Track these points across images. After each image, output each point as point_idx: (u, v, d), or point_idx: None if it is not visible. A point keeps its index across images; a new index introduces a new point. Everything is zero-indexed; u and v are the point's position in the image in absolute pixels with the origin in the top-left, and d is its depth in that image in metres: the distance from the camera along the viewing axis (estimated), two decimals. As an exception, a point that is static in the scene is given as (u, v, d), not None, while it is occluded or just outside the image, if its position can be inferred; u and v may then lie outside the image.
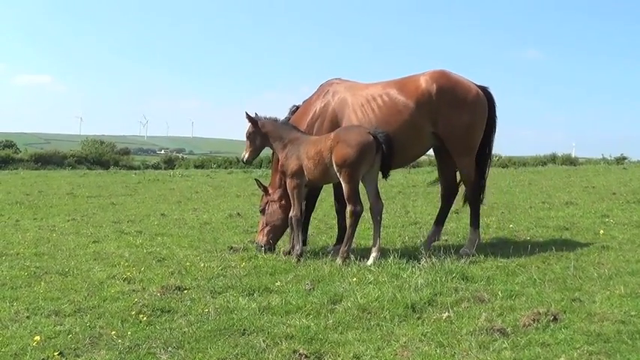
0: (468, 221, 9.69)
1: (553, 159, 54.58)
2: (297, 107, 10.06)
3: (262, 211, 9.81)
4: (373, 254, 8.57)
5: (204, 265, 8.51)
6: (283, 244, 9.71)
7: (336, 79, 9.96)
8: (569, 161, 53.26)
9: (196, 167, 57.79)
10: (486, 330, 5.46)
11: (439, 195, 10.26)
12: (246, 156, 9.71)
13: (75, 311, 6.42)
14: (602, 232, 10.51)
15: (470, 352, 5.04)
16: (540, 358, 4.92)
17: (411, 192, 20.95)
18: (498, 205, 15.70)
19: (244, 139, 9.74)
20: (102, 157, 67.24)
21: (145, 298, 6.79)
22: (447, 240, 10.35)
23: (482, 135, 9.49)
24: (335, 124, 9.30)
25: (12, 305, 6.67)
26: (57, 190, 24.84)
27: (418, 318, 5.99)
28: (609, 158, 53.94)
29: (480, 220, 9.80)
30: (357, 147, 8.33)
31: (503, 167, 44.10)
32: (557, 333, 5.38)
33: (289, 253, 9.12)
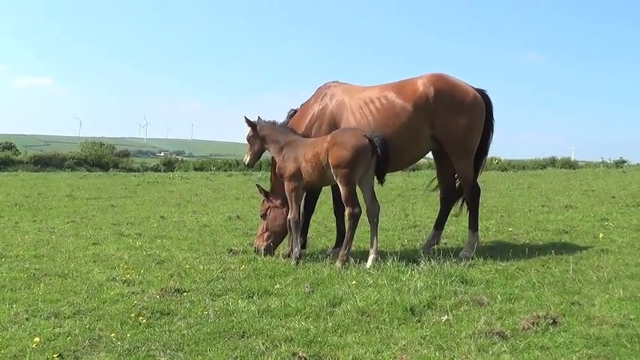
0: (467, 224, 9.70)
1: (552, 162, 54.64)
2: (296, 111, 10.07)
3: (263, 216, 9.82)
4: (371, 256, 8.58)
5: (204, 268, 8.51)
6: (283, 246, 9.71)
7: (333, 82, 9.98)
8: (569, 165, 53.34)
9: (196, 170, 57.85)
10: (485, 333, 5.46)
11: (438, 198, 10.26)
12: (248, 159, 9.77)
13: (74, 313, 6.42)
14: (601, 235, 10.51)
15: (469, 356, 5.04)
16: (539, 362, 4.93)
17: (411, 195, 20.96)
18: (498, 208, 15.72)
19: (244, 142, 9.82)
20: (101, 159, 67.29)
21: (144, 301, 6.79)
22: (446, 243, 10.35)
23: (480, 138, 9.51)
24: (333, 126, 9.31)
25: (11, 307, 6.67)
26: (56, 192, 24.85)
27: (417, 321, 5.99)
28: (609, 162, 53.97)
29: (479, 224, 9.81)
30: (353, 149, 8.35)
31: (502, 170, 44.16)
32: (557, 336, 5.38)
33: (289, 255, 9.13)
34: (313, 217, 10.64)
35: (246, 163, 9.90)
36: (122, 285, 7.63)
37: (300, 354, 5.13)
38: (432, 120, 9.09)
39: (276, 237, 9.64)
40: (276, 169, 9.41)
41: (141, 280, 7.90)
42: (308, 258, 9.27)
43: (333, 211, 10.03)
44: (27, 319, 6.25)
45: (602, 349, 5.10)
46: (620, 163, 51.62)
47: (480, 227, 10.00)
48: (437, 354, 5.11)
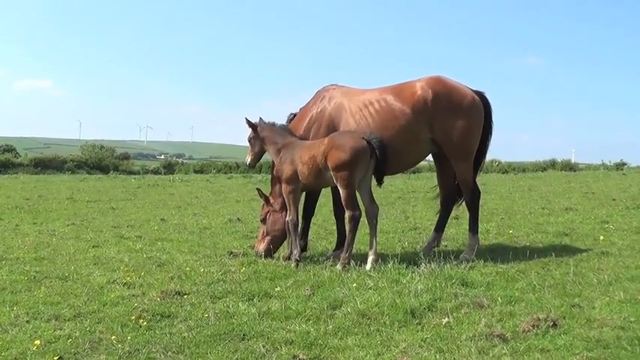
0: (467, 227, 9.70)
1: (553, 165, 54.67)
2: (295, 115, 10.10)
3: (263, 221, 9.83)
4: (371, 257, 8.59)
5: (204, 270, 8.51)
6: (283, 249, 9.71)
7: (332, 85, 10.00)
8: (569, 167, 53.35)
9: (196, 172, 57.79)
10: (486, 336, 5.46)
11: (438, 201, 10.26)
12: (249, 160, 9.86)
13: (75, 316, 6.42)
14: (601, 238, 10.51)
15: (469, 358, 5.05)
16: (540, 364, 4.93)
17: (411, 197, 20.96)
18: (498, 210, 15.72)
19: (245, 144, 9.89)
20: (102, 161, 67.26)
21: (144, 303, 6.79)
22: (446, 246, 10.35)
23: (479, 140, 9.53)
24: (331, 128, 9.33)
25: (12, 309, 6.67)
26: (57, 194, 24.85)
27: (418, 323, 5.99)
28: (609, 164, 54.05)
29: (480, 226, 9.81)
30: (352, 152, 8.36)
31: (503, 173, 44.15)
32: (557, 339, 5.38)
33: (289, 258, 9.13)
34: (313, 220, 10.64)
35: (247, 163, 10.03)
36: (122, 287, 7.63)
37: (301, 356, 5.14)
38: (430, 123, 9.11)
39: (275, 241, 9.65)
40: (274, 171, 9.45)
41: (141, 282, 7.90)
42: (308, 261, 9.27)
43: (333, 213, 10.04)
44: (27, 321, 6.24)
45: (603, 351, 5.10)
46: (620, 166, 51.68)
47: (480, 230, 10.00)
48: (437, 356, 5.12)
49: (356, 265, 8.42)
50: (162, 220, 15.29)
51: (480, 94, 9.51)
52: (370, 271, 8.19)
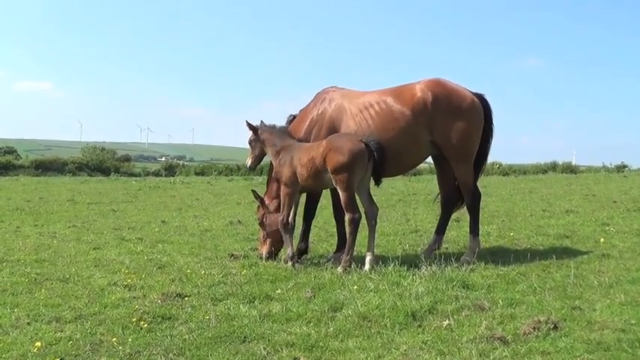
0: (468, 229, 9.70)
1: (554, 167, 54.63)
2: (295, 117, 10.12)
3: (261, 224, 9.86)
4: (368, 258, 8.60)
5: (205, 273, 8.51)
6: (284, 251, 9.71)
7: (332, 87, 10.01)
8: (570, 169, 53.30)
9: (197, 174, 57.83)
10: (487, 338, 5.46)
11: (439, 203, 10.26)
12: (249, 162, 9.92)
13: (75, 318, 6.42)
14: (602, 240, 10.50)
15: (470, 360, 5.05)
16: (541, 367, 4.93)
17: (412, 200, 20.96)
18: (499, 213, 15.72)
19: (246, 146, 9.94)
20: (102, 163, 67.37)
21: (145, 305, 6.79)
22: (447, 248, 10.34)
23: (479, 142, 9.53)
24: (332, 130, 9.34)
25: (13, 311, 6.67)
26: (57, 196, 24.86)
27: (419, 326, 5.99)
28: (610, 166, 54.02)
29: (480, 229, 9.81)
30: (350, 154, 8.37)
31: (503, 175, 44.09)
32: (558, 341, 5.38)
33: (292, 259, 9.13)
34: (314, 222, 10.64)
35: (247, 166, 10.11)
36: (123, 289, 7.63)
37: (302, 359, 5.14)
38: (430, 125, 9.13)
39: (275, 242, 9.65)
40: (273, 173, 9.48)
41: (142, 284, 7.91)
42: (309, 263, 9.28)
43: (333, 216, 10.04)
44: (28, 323, 6.25)
45: (604, 354, 5.09)
46: (621, 168, 51.65)
47: (481, 232, 10.00)
48: (438, 359, 5.12)
49: (357, 267, 8.42)
50: (163, 222, 15.29)
51: (480, 97, 9.52)
52: (369, 272, 8.20)
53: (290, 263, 8.85)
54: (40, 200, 22.88)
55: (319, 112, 9.65)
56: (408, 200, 20.79)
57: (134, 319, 6.24)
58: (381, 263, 8.49)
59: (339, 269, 8.46)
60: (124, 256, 10.04)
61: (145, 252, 10.49)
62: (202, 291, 7.47)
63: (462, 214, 10.40)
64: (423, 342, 5.50)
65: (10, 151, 78.32)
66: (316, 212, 10.25)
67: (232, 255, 9.86)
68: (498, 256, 9.30)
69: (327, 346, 5.47)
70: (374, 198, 9.04)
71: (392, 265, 8.21)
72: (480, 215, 9.90)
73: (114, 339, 5.66)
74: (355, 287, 7.35)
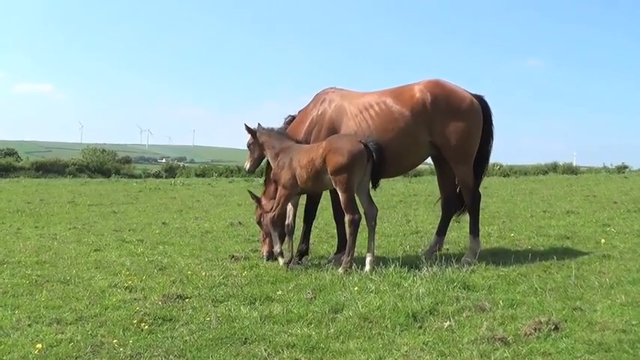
0: (468, 230, 9.70)
1: (554, 168, 54.66)
2: (293, 117, 10.13)
3: (259, 224, 9.88)
4: (368, 259, 8.60)
5: (206, 274, 8.51)
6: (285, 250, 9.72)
7: (331, 88, 10.02)
8: (571, 170, 53.33)
9: (197, 176, 57.80)
10: (488, 339, 5.46)
11: (439, 205, 10.26)
12: (248, 165, 9.95)
13: (76, 319, 6.42)
14: (603, 241, 10.51)
15: (471, 361, 5.05)
16: (542, 368, 4.93)
17: (412, 201, 20.95)
18: (499, 214, 15.72)
19: (246, 148, 9.95)
20: (103, 165, 67.38)
21: (146, 307, 6.79)
22: (448, 249, 10.34)
23: (479, 143, 9.54)
24: (332, 131, 9.35)
25: (13, 313, 6.67)
26: (58, 198, 24.85)
27: (419, 327, 5.99)
28: (610, 167, 54.04)
29: (481, 229, 9.81)
30: (350, 155, 8.38)
31: (504, 176, 44.12)
32: (559, 342, 5.38)
33: (290, 261, 9.14)
34: (315, 224, 10.64)
35: (246, 169, 10.12)
36: (124, 291, 7.63)
37: (302, 360, 5.14)
38: (429, 126, 9.14)
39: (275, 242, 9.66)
40: (272, 175, 9.49)
41: (143, 286, 7.91)
42: (310, 264, 9.28)
43: (333, 217, 10.05)
44: (29, 325, 6.24)
45: (604, 354, 5.10)
46: (621, 169, 51.70)
47: (481, 233, 10.00)
48: (439, 360, 5.12)
49: (357, 268, 8.41)
50: (163, 223, 15.29)
51: (479, 98, 9.53)
52: (369, 273, 8.20)
53: (282, 263, 8.89)
54: (41, 202, 22.87)
55: (319, 113, 9.65)
56: (409, 201, 20.78)
57: (135, 321, 6.24)
58: (381, 264, 8.49)
59: (340, 270, 8.46)
60: (125, 258, 10.03)
61: (145, 254, 10.49)
62: (203, 292, 7.47)
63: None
64: (423, 343, 5.50)
65: (11, 152, 78.27)
66: (317, 213, 10.25)
67: (233, 256, 9.87)
68: (499, 256, 9.30)
69: (328, 347, 5.47)
70: (374, 199, 9.04)
71: (393, 266, 8.22)
72: (481, 216, 9.90)
73: (115, 341, 5.66)
74: (356, 288, 7.35)
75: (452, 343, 5.47)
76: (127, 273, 8.68)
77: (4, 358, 5.35)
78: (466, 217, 9.91)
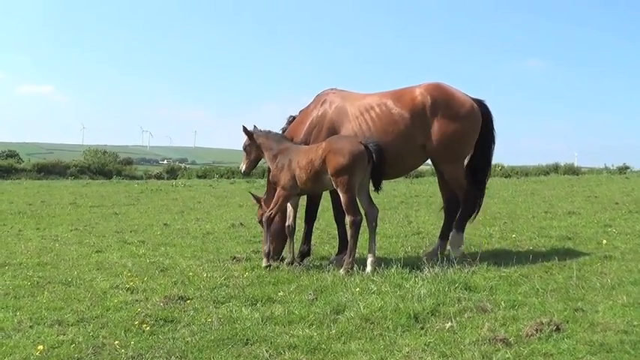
0: (454, 224, 9.65)
1: (555, 168, 54.64)
2: (295, 118, 10.12)
3: (260, 222, 9.88)
4: (370, 259, 8.60)
5: (207, 275, 8.52)
6: (287, 251, 9.72)
7: (331, 89, 10.02)
8: (572, 171, 53.31)
9: (199, 177, 57.84)
10: (489, 340, 5.46)
11: (441, 207, 10.21)
12: (244, 167, 9.96)
13: (78, 321, 6.43)
14: (604, 241, 10.50)
15: (473, 362, 5.05)
16: (543, 368, 4.92)
17: (414, 202, 20.95)
18: (501, 214, 15.71)
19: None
20: (104, 166, 67.40)
21: (148, 308, 6.79)
22: (449, 250, 10.32)
23: (481, 149, 9.54)
24: (332, 132, 9.36)
25: (15, 315, 6.67)
26: (60, 199, 24.86)
27: (421, 328, 5.99)
28: (612, 168, 54.00)
29: (483, 230, 9.79)
30: (350, 156, 8.39)
31: (505, 177, 44.16)
32: (560, 343, 5.38)
33: (291, 263, 9.14)
34: (316, 225, 10.65)
35: (242, 171, 10.11)
36: (126, 293, 7.64)
37: (304, 361, 5.14)
38: (426, 129, 9.12)
39: (276, 243, 9.66)
40: (270, 177, 9.48)
41: (144, 287, 7.91)
42: (312, 265, 9.28)
43: (334, 218, 10.05)
44: (31, 326, 6.25)
45: (606, 355, 5.09)
46: (623, 169, 51.67)
47: (482, 234, 9.99)
48: (440, 361, 5.12)
49: (359, 269, 8.41)
50: (165, 225, 15.30)
51: (480, 103, 9.51)
52: (371, 274, 8.20)
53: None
54: (42, 203, 22.88)
55: (319, 114, 9.65)
56: (410, 202, 20.78)
57: (136, 322, 6.24)
58: (383, 265, 8.49)
59: (341, 271, 8.45)
60: (126, 259, 10.04)
61: (147, 255, 10.50)
62: (204, 294, 7.47)
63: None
64: (425, 344, 5.50)
65: (12, 154, 78.32)
66: (318, 214, 10.26)
67: (234, 257, 9.87)
68: (501, 257, 9.29)
69: (330, 348, 5.47)
70: (375, 200, 9.04)
71: (394, 267, 8.21)
72: (482, 217, 9.90)
73: (116, 342, 5.66)
74: (357, 289, 7.35)
75: (453, 344, 5.47)
76: (129, 274, 8.68)
77: (6, 359, 5.36)
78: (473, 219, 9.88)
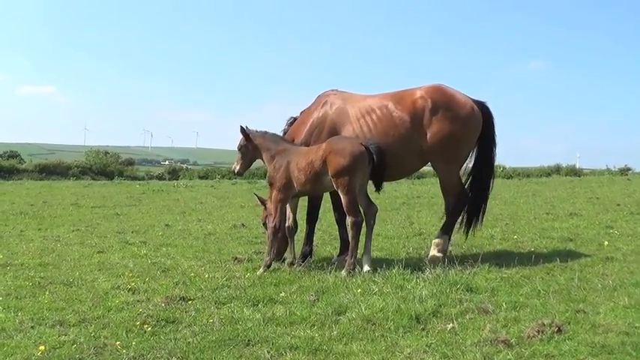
0: (440, 227, 9.64)
1: (557, 170, 54.65)
2: (295, 119, 10.12)
3: (265, 225, 9.88)
4: (365, 256, 8.61)
5: (209, 276, 8.52)
6: (288, 254, 9.71)
7: (332, 90, 10.02)
8: (574, 172, 53.32)
9: (200, 178, 57.81)
10: (491, 341, 5.46)
11: (443, 208, 10.21)
12: (238, 168, 9.88)
13: (79, 321, 6.43)
14: (606, 243, 10.50)
15: (474, 364, 5.04)
16: (545, 370, 4.92)
17: (416, 203, 20.94)
18: (503, 216, 15.71)
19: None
20: (106, 167, 67.35)
21: (149, 309, 6.79)
22: (451, 251, 10.31)
23: (484, 152, 9.54)
24: (333, 133, 9.36)
25: (16, 315, 6.67)
26: (61, 200, 24.86)
27: (422, 329, 5.99)
28: (613, 169, 53.99)
29: (484, 231, 9.76)
30: (351, 156, 8.38)
31: (507, 178, 44.14)
32: (562, 344, 5.37)
33: (292, 264, 9.14)
34: (318, 226, 10.64)
35: (236, 171, 9.98)
36: (127, 293, 7.64)
37: (305, 362, 5.14)
38: (426, 130, 9.11)
39: (279, 243, 9.65)
40: (267, 178, 9.45)
41: (146, 288, 7.91)
42: (313, 266, 9.28)
43: (335, 219, 10.05)
44: (32, 327, 6.25)
45: (607, 357, 5.09)
46: (624, 171, 51.69)
47: (484, 235, 9.96)
48: (442, 362, 5.12)
49: (360, 270, 8.41)
50: (166, 225, 15.30)
51: (481, 105, 9.50)
52: (370, 271, 8.21)
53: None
54: (44, 204, 22.87)
55: (320, 115, 9.66)
56: (412, 203, 20.77)
57: (138, 323, 6.24)
58: (384, 266, 8.49)
59: (343, 272, 8.45)
60: (128, 260, 10.04)
61: (148, 255, 10.50)
62: (206, 294, 7.47)
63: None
64: (427, 345, 5.50)
65: (14, 155, 78.22)
66: (320, 215, 10.25)
67: (236, 258, 9.87)
68: (502, 259, 9.28)
69: (331, 349, 5.47)
70: (377, 201, 9.03)
71: (396, 268, 8.21)
72: (484, 218, 9.89)
73: (118, 343, 5.66)
74: (359, 290, 7.35)
75: (455, 346, 5.46)
76: (130, 275, 8.69)
77: (8, 359, 5.36)
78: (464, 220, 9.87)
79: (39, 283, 8.30)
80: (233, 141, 9.96)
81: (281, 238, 9.51)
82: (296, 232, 9.60)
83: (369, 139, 8.87)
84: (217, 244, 11.83)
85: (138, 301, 7.22)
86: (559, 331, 5.65)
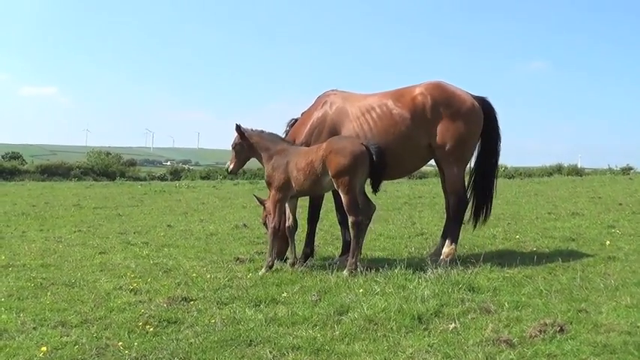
0: (442, 233, 9.63)
1: (559, 169, 54.51)
2: (296, 120, 10.12)
3: (265, 225, 9.88)
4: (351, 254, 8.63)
5: (211, 276, 8.52)
6: (289, 253, 9.71)
7: (332, 90, 10.01)
8: (575, 172, 53.17)
9: (202, 178, 57.80)
10: (493, 341, 5.46)
11: (444, 207, 10.21)
12: (231, 167, 9.81)
13: (81, 322, 6.43)
14: (608, 242, 10.48)
15: (476, 364, 5.04)
16: (547, 370, 4.92)
17: (417, 203, 20.91)
18: (505, 215, 15.68)
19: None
20: (108, 168, 67.32)
21: (151, 309, 6.80)
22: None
23: (487, 147, 9.53)
24: (333, 133, 9.35)
25: (19, 316, 6.68)
26: (63, 201, 24.89)
27: (425, 329, 5.98)
28: (615, 169, 53.85)
29: (486, 231, 9.75)
30: (351, 156, 8.38)
31: (509, 178, 44.10)
32: (564, 344, 5.37)
33: (294, 264, 9.14)
34: (320, 226, 10.64)
35: (229, 170, 9.91)
36: (129, 294, 7.65)
37: (307, 362, 5.14)
38: (428, 128, 9.11)
39: (280, 243, 9.66)
40: (265, 178, 9.43)
41: (148, 288, 7.92)
42: (315, 266, 9.28)
43: (337, 219, 10.04)
44: (34, 328, 6.26)
45: (610, 356, 5.09)
46: (626, 170, 51.50)
47: (486, 234, 9.95)
48: (444, 362, 5.12)
49: (363, 270, 8.41)
50: (168, 226, 15.31)
51: (482, 100, 9.49)
52: (352, 265, 8.32)
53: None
54: (46, 205, 22.91)
55: (320, 115, 9.65)
56: (414, 203, 20.74)
57: (140, 323, 6.25)
58: (386, 266, 8.48)
59: (345, 272, 8.44)
60: (130, 261, 10.05)
61: (150, 256, 10.51)
62: (208, 295, 7.48)
63: (467, 216, 10.30)
64: (429, 345, 5.50)
65: (16, 156, 78.18)
66: (321, 215, 10.25)
67: (238, 259, 9.88)
68: (504, 258, 9.28)
69: (333, 349, 5.47)
70: (379, 201, 9.02)
71: (398, 268, 8.20)
72: (488, 217, 9.88)
73: (120, 343, 5.67)
74: (361, 290, 7.35)
75: (457, 345, 5.46)
76: (132, 275, 8.70)
77: (10, 360, 5.37)
78: (471, 220, 9.87)
79: (41, 284, 8.31)
80: (235, 141, 9.89)
81: (281, 237, 9.52)
82: (296, 231, 9.59)
83: (369, 138, 8.87)
84: (219, 245, 11.84)
85: (140, 301, 7.23)
86: (561, 330, 5.64)
